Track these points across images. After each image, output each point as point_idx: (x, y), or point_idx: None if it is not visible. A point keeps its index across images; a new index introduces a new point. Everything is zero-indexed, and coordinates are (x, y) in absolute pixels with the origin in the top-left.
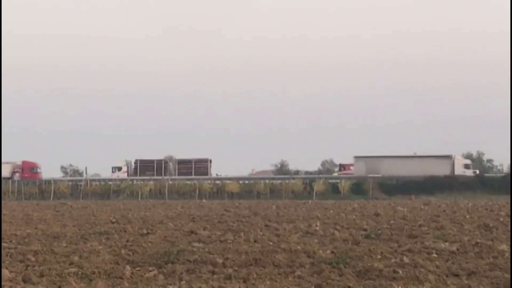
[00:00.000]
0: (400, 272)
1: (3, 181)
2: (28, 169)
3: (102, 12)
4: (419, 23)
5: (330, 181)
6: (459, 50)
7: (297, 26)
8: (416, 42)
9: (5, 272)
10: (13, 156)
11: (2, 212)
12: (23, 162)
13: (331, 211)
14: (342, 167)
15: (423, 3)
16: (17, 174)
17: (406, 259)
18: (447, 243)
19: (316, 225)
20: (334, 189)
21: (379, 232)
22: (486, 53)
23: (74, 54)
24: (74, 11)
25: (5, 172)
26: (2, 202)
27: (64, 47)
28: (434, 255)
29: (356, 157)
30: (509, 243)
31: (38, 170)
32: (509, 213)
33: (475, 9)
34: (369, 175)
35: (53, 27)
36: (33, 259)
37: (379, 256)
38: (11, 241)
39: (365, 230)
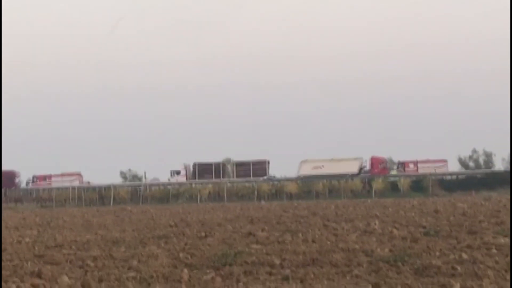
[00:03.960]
0: (459, 268)
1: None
2: (377, 165)
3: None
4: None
5: (389, 179)
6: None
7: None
8: None
9: (64, 278)
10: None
11: (62, 219)
12: (372, 158)
13: (390, 209)
14: (402, 165)
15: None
16: (365, 169)
17: (465, 256)
18: (507, 238)
19: (375, 224)
20: (393, 187)
21: (438, 229)
22: None
23: (130, 55)
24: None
25: (353, 168)
26: (63, 209)
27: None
28: (494, 250)
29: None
30: None
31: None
32: None
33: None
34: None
35: (100, 26)
36: (92, 264)
37: (437, 253)
38: (71, 247)
39: (424, 227)
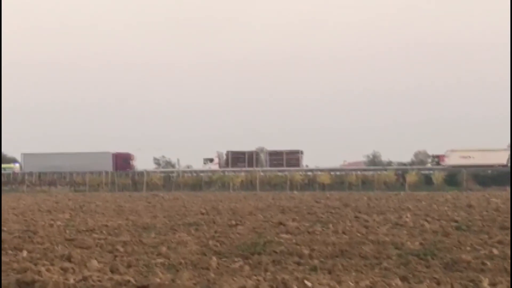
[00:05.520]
0: (489, 264)
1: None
2: None
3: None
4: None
5: (423, 172)
6: None
7: None
8: None
9: (93, 262)
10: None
11: (95, 203)
12: None
13: (423, 203)
14: (437, 158)
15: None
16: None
17: (495, 251)
18: None
19: (407, 217)
20: (427, 181)
21: (470, 223)
22: None
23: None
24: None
25: (502, 159)
26: (96, 193)
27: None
28: None
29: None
30: None
31: None
32: None
33: None
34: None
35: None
36: (121, 249)
37: (468, 248)
38: (101, 232)
39: (456, 221)
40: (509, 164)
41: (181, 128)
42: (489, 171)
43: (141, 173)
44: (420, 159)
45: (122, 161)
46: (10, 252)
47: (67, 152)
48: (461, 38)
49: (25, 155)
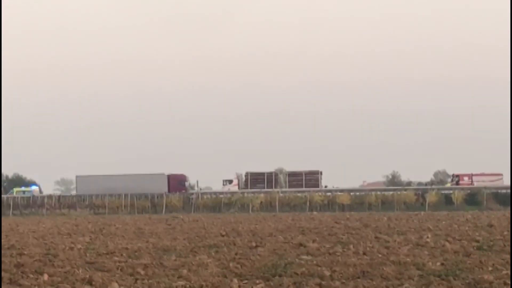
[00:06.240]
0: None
1: None
2: None
3: None
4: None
5: (443, 192)
6: None
7: None
8: None
9: (114, 285)
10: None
11: (114, 226)
12: None
13: (444, 223)
14: (456, 177)
15: None
16: None
17: None
18: None
19: (427, 237)
20: (447, 200)
21: (492, 243)
22: None
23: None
24: None
25: None
26: (115, 216)
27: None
28: None
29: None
30: None
31: None
32: None
33: None
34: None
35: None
36: (142, 272)
37: (490, 268)
38: (122, 255)
39: (478, 241)
40: None
41: (200, 150)
42: (488, 191)
43: (160, 195)
44: (439, 179)
45: (177, 182)
46: (31, 276)
47: (122, 173)
48: (480, 60)
49: (79, 178)
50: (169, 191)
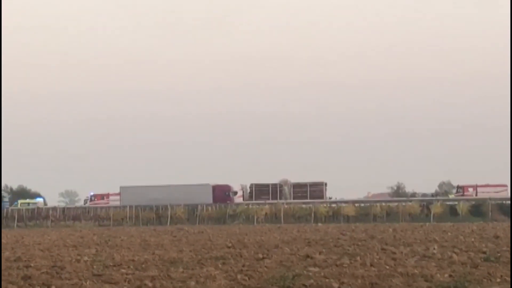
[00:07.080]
0: None
1: None
2: None
3: None
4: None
5: (448, 203)
6: None
7: None
8: None
9: None
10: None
11: (120, 238)
12: None
13: (449, 234)
14: (461, 188)
15: None
16: None
17: None
18: None
19: (434, 248)
20: (452, 212)
21: (499, 254)
22: None
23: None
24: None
25: None
26: (120, 228)
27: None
28: None
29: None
30: None
31: None
32: None
33: None
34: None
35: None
36: (150, 284)
37: (498, 280)
38: (129, 267)
39: (484, 252)
40: None
41: (205, 162)
42: (493, 202)
43: (165, 207)
44: (444, 190)
45: (222, 193)
46: None
47: (166, 184)
48: (487, 71)
49: (123, 188)
50: (214, 201)
